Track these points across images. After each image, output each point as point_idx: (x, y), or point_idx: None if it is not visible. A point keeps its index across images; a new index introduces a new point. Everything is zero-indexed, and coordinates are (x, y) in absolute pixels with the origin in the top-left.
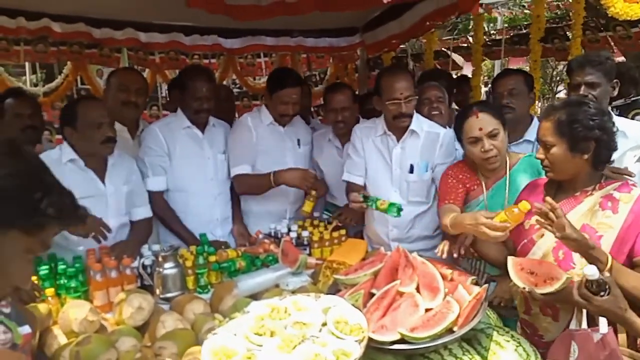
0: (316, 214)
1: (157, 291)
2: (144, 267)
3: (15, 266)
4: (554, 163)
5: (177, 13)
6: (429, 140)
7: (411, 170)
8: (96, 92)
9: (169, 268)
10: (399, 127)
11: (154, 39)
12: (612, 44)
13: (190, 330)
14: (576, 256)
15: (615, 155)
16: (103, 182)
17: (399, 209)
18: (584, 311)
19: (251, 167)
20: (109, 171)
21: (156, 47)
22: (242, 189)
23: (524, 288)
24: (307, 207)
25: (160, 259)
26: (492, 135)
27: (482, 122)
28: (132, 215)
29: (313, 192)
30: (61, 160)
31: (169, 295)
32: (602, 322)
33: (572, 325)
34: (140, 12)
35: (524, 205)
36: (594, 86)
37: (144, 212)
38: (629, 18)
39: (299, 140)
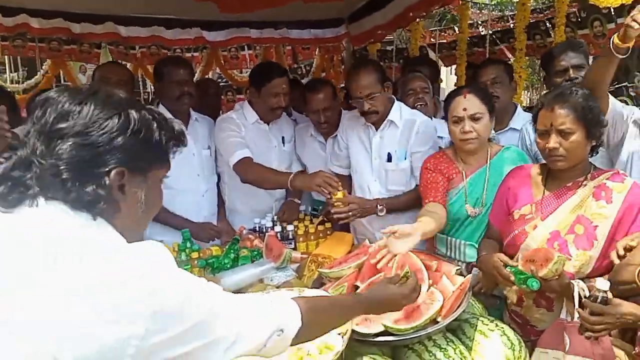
0: (302, 208)
1: None
2: None
3: (158, 198)
4: (571, 151)
5: (158, 5)
6: (406, 128)
7: (389, 159)
8: (72, 80)
9: None
10: (370, 122)
11: (135, 33)
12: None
13: None
14: (572, 248)
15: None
16: None
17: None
18: (576, 304)
19: (249, 151)
20: None
21: (137, 42)
22: (250, 176)
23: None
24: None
25: None
26: (475, 118)
27: (468, 103)
28: None
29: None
30: None
31: None
32: None
33: (562, 315)
34: (120, 5)
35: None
36: (580, 69)
37: None
38: (609, 5)
39: (283, 138)
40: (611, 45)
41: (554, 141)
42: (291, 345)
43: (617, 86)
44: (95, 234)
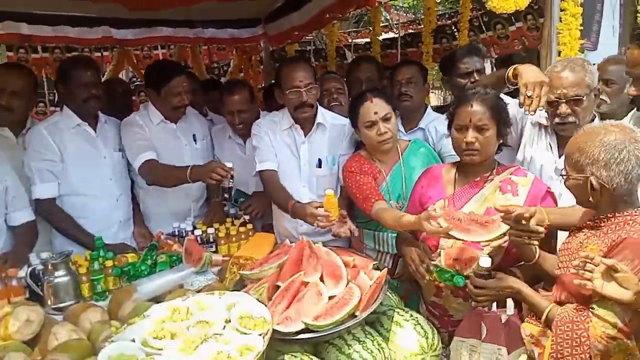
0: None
1: (49, 302)
2: (33, 276)
3: None
4: (485, 145)
5: (61, 2)
6: (334, 132)
7: (319, 165)
8: None
9: (60, 276)
10: (303, 119)
11: (38, 32)
12: (490, 44)
13: (86, 340)
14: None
15: None
16: None
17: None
18: None
19: (155, 153)
20: None
21: (39, 41)
22: (153, 177)
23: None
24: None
25: (50, 267)
26: (386, 119)
27: (377, 107)
28: (11, 220)
29: (329, 192)
30: None
31: (62, 305)
32: (509, 304)
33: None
34: (20, 2)
35: (329, 192)
36: (481, 72)
37: (25, 215)
38: (504, 12)
39: (194, 136)
40: (505, 77)
41: (471, 136)
42: None
43: (515, 87)
44: None
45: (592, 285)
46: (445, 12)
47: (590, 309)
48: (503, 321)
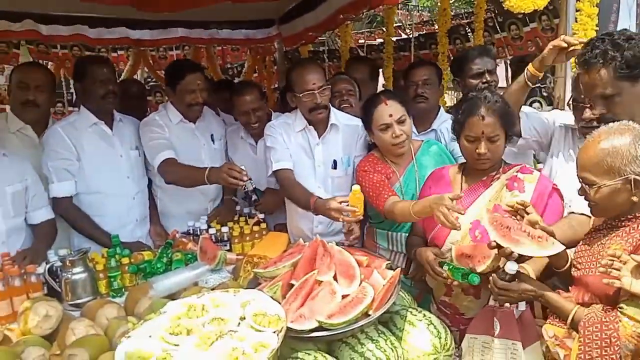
0: (237, 208)
1: (66, 298)
2: (51, 273)
3: None
4: (495, 153)
5: (80, 3)
6: (348, 133)
7: (334, 166)
8: None
9: (77, 273)
10: (317, 120)
11: (56, 32)
12: (504, 45)
13: (103, 336)
14: (492, 234)
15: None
16: None
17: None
18: None
19: (174, 152)
20: None
21: (58, 40)
22: (171, 176)
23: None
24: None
25: (68, 263)
26: (400, 121)
27: (392, 109)
28: (31, 218)
29: (356, 187)
30: None
31: (79, 301)
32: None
33: (491, 302)
34: (40, 2)
35: (356, 187)
36: (492, 73)
37: (44, 214)
38: (522, 11)
39: (212, 136)
40: (526, 75)
41: (484, 147)
42: None
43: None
44: None
45: (621, 284)
46: (459, 12)
47: (619, 309)
48: (516, 317)
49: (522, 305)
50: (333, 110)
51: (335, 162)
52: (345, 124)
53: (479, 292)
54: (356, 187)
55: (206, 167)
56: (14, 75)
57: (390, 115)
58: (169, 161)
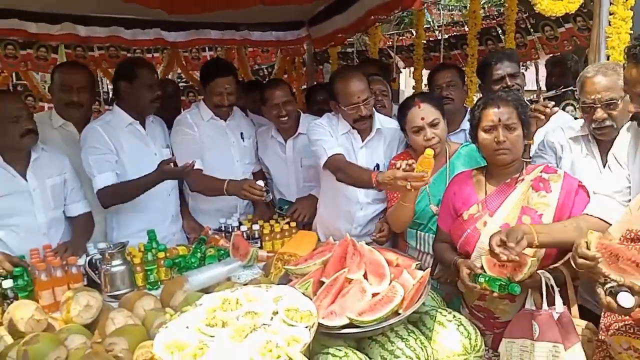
0: None
1: (105, 289)
2: (90, 265)
3: None
4: (515, 144)
5: (117, 5)
6: (391, 137)
7: (377, 170)
8: (33, 87)
9: (116, 265)
10: (362, 130)
11: (94, 33)
12: (539, 46)
13: (141, 326)
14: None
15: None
16: (25, 177)
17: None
18: (544, 294)
19: (200, 161)
20: (32, 166)
21: (95, 41)
22: (197, 187)
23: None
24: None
25: (107, 256)
26: (433, 125)
27: (424, 112)
28: (69, 211)
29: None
30: None
31: (117, 292)
32: (558, 302)
33: (528, 305)
34: (78, 4)
35: (428, 151)
36: (515, 76)
37: (82, 207)
38: (554, 15)
39: (242, 134)
40: None
41: (502, 134)
42: None
43: (563, 89)
44: None
45: None
46: (489, 14)
47: None
48: (555, 318)
49: (560, 307)
50: (376, 114)
51: (377, 165)
52: (387, 127)
53: (514, 296)
54: (429, 151)
55: (224, 180)
56: (56, 76)
57: (423, 118)
58: (195, 172)
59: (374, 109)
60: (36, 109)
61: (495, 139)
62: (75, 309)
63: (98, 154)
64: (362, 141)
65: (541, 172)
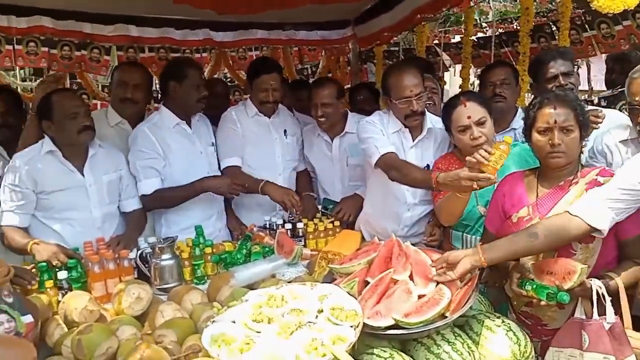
0: None
1: (155, 282)
2: (142, 258)
3: None
4: (570, 148)
5: (168, 6)
6: (441, 137)
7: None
8: (87, 86)
9: (166, 259)
10: (412, 126)
11: (146, 34)
12: (595, 43)
13: (189, 319)
14: (574, 243)
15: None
16: (82, 173)
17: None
18: (595, 302)
19: (240, 159)
20: (89, 162)
21: (147, 42)
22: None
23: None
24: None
25: (157, 250)
26: (480, 123)
27: (470, 111)
28: (124, 206)
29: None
30: (40, 153)
31: (166, 286)
32: (609, 311)
33: (577, 314)
34: (130, 5)
35: (507, 139)
36: (569, 75)
37: (136, 203)
38: (611, 12)
39: (285, 131)
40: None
41: (557, 137)
42: None
43: (620, 89)
44: None
45: None
46: (540, 10)
47: None
48: (606, 329)
49: (612, 317)
50: (428, 113)
51: (427, 166)
52: (439, 127)
53: (560, 303)
54: (508, 138)
55: (261, 180)
56: (115, 74)
57: (469, 117)
58: (231, 169)
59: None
60: (90, 107)
61: (550, 142)
62: (126, 300)
63: (145, 158)
64: (413, 140)
65: (597, 175)
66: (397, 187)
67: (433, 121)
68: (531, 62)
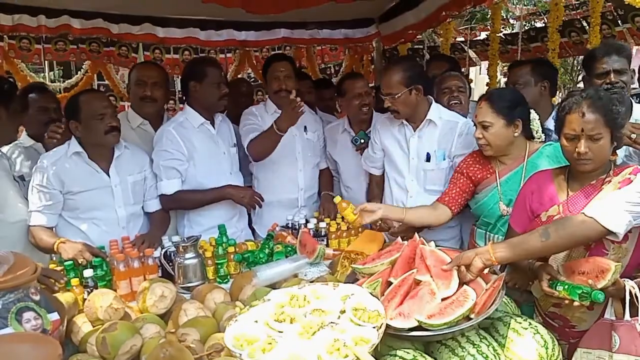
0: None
1: (178, 281)
2: (166, 257)
3: None
4: (598, 154)
5: (193, 6)
6: (446, 128)
7: (428, 159)
8: (114, 87)
9: (189, 258)
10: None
11: (171, 34)
12: (629, 37)
13: (212, 318)
14: (607, 242)
15: None
16: (108, 173)
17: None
18: (627, 303)
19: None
20: (114, 162)
21: (172, 42)
22: (257, 149)
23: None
24: (349, 216)
25: (180, 249)
26: (484, 126)
27: (478, 112)
28: (148, 206)
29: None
30: (67, 154)
31: (189, 284)
32: None
33: (607, 315)
34: (157, 6)
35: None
36: (621, 73)
37: (159, 203)
38: None
39: (305, 127)
40: None
41: (584, 146)
42: None
43: None
44: None
45: None
46: (569, 3)
47: None
48: (638, 330)
49: None
50: (437, 107)
51: (428, 154)
52: (445, 119)
53: (593, 303)
54: (337, 199)
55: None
56: (133, 73)
57: (476, 116)
58: (253, 139)
59: (439, 103)
60: (117, 109)
61: (577, 149)
62: (150, 299)
63: (168, 158)
64: (414, 130)
65: (630, 173)
66: (398, 175)
67: (441, 114)
68: (585, 55)
